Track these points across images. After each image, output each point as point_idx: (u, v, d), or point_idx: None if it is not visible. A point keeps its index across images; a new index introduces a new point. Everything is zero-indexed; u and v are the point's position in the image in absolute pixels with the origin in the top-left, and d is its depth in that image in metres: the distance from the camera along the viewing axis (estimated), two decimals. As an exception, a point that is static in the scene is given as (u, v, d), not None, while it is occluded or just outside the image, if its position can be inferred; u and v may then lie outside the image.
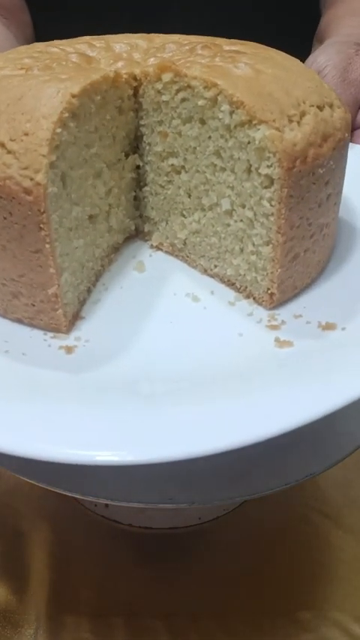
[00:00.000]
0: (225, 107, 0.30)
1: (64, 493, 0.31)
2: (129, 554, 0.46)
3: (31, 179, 0.27)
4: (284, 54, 0.36)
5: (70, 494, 0.32)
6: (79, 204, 0.32)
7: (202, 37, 0.39)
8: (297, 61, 0.36)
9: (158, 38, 0.40)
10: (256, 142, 0.29)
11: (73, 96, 0.29)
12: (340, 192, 0.35)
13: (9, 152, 0.28)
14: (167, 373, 0.28)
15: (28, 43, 0.62)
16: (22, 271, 0.30)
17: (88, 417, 0.24)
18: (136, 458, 0.21)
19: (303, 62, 0.38)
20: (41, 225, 0.28)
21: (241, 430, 0.22)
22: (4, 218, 0.28)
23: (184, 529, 0.46)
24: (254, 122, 0.29)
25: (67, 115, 0.28)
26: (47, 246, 0.28)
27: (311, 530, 0.49)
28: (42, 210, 0.28)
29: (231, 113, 0.30)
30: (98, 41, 0.38)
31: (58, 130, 0.28)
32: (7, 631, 0.42)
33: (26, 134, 0.28)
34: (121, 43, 0.39)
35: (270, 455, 0.32)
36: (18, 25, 0.62)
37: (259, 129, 0.29)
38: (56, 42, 0.38)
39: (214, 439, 0.22)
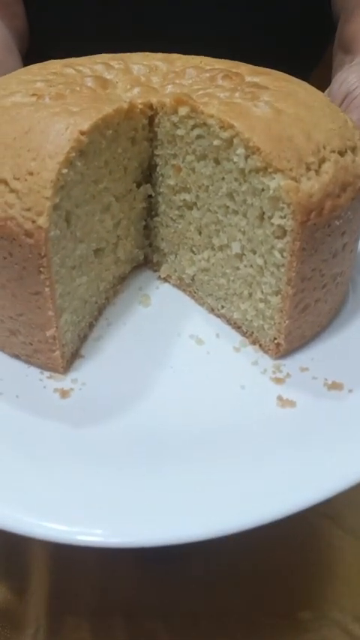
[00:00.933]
0: (240, 151, 0.29)
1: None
2: (129, 554, 0.45)
3: (33, 221, 0.26)
4: (308, 87, 0.35)
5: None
6: (84, 241, 0.31)
7: (224, 61, 0.38)
8: (320, 96, 0.34)
9: (179, 60, 0.38)
10: (271, 191, 0.28)
11: (82, 133, 0.28)
12: (358, 237, 0.33)
13: (12, 191, 0.27)
14: (164, 431, 0.27)
15: (19, 34, 0.61)
16: (21, 311, 0.29)
17: (75, 482, 0.23)
18: (122, 540, 0.20)
19: (309, 78, 0.37)
20: (41, 269, 0.27)
21: (237, 516, 0.21)
22: (4, 258, 0.27)
23: None
24: (270, 170, 0.28)
25: (74, 154, 0.27)
26: (47, 289, 0.28)
27: (311, 531, 0.48)
28: (42, 254, 0.27)
29: (246, 157, 0.29)
30: (117, 62, 0.37)
31: (64, 171, 0.27)
32: (7, 631, 0.43)
33: (30, 173, 0.27)
34: (140, 64, 0.37)
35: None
36: (9, 16, 0.61)
37: (274, 177, 0.28)
38: (73, 60, 0.37)
39: (206, 524, 0.21)
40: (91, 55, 0.39)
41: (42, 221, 0.26)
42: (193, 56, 0.39)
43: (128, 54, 0.39)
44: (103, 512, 0.22)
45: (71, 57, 0.39)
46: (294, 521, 0.47)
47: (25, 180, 0.27)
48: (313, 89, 0.35)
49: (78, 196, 0.29)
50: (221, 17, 0.63)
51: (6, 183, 0.27)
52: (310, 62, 0.75)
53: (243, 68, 0.36)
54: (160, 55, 0.39)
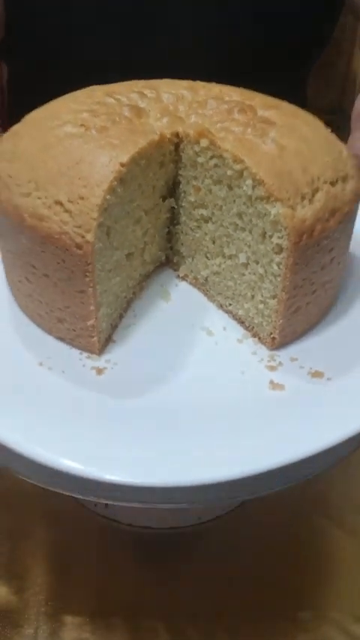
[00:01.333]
0: (248, 182, 0.35)
1: (65, 492, 0.34)
2: (129, 554, 0.47)
3: (82, 237, 0.33)
4: (311, 120, 0.41)
5: (71, 494, 0.35)
6: (119, 249, 0.38)
7: (241, 90, 0.44)
8: (320, 129, 0.40)
9: (203, 89, 0.44)
10: (271, 216, 0.35)
11: (122, 165, 0.34)
12: (345, 252, 0.40)
13: (66, 211, 0.34)
14: (177, 404, 0.34)
15: None
16: (68, 304, 0.36)
17: (106, 437, 0.31)
18: (139, 480, 0.27)
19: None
20: (87, 274, 0.34)
21: (229, 467, 0.28)
22: (57, 263, 0.35)
23: (184, 529, 0.48)
24: (271, 199, 0.34)
25: (116, 182, 0.34)
26: (90, 289, 0.35)
27: (311, 530, 0.49)
28: (88, 262, 0.34)
29: (253, 187, 0.35)
30: (149, 90, 0.43)
31: (108, 197, 0.34)
32: (7, 631, 0.43)
33: (81, 198, 0.34)
34: (169, 93, 0.43)
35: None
36: None
37: (274, 206, 0.34)
38: (113, 89, 0.43)
39: (206, 472, 0.28)
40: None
41: (89, 237, 0.33)
42: (213, 84, 0.45)
43: (158, 81, 0.45)
44: (134, 456, 0.29)
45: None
46: (294, 521, 0.49)
47: (77, 203, 0.34)
48: (316, 122, 0.41)
49: (117, 214, 0.36)
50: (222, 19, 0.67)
51: (62, 204, 0.34)
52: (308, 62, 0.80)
53: (257, 100, 0.42)
54: (185, 83, 0.45)
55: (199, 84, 0.45)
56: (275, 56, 0.71)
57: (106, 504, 0.47)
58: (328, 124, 0.44)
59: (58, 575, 0.46)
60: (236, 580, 0.45)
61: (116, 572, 0.45)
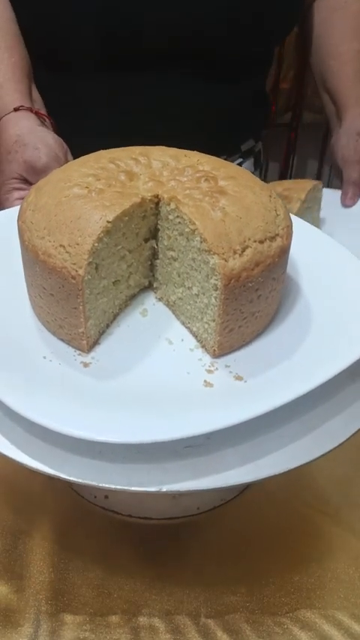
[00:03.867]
0: (198, 238, 0.50)
1: (68, 479, 0.41)
2: (128, 546, 0.49)
3: (76, 271, 0.48)
4: (258, 191, 0.54)
5: (74, 480, 0.42)
6: (106, 278, 0.53)
7: (212, 161, 0.57)
8: (264, 197, 0.54)
9: (184, 158, 0.58)
10: (210, 264, 0.49)
11: (108, 222, 0.49)
12: (274, 288, 0.54)
13: (67, 252, 0.48)
14: (139, 388, 0.48)
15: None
16: (66, 316, 0.51)
17: (92, 410, 0.45)
18: (101, 437, 0.42)
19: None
20: (78, 296, 0.49)
21: (169, 431, 0.42)
22: (59, 287, 0.50)
23: (183, 519, 0.53)
24: (211, 252, 0.49)
25: (103, 235, 0.49)
26: (80, 306, 0.50)
27: (312, 530, 0.51)
28: (80, 288, 0.49)
29: (200, 242, 0.50)
30: (143, 157, 0.58)
31: (96, 244, 0.48)
32: (7, 630, 0.43)
33: (77, 244, 0.48)
34: (158, 160, 0.58)
35: (270, 440, 0.45)
36: None
37: (213, 257, 0.48)
38: (116, 155, 0.58)
39: (158, 433, 0.42)
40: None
41: (81, 272, 0.48)
42: (194, 153, 0.59)
43: (151, 148, 0.60)
44: (103, 418, 0.43)
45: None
46: (294, 520, 0.51)
47: (74, 247, 0.48)
48: (262, 193, 0.54)
49: (104, 255, 0.51)
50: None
51: (64, 247, 0.49)
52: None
53: (222, 171, 0.56)
54: (172, 151, 0.59)
55: (182, 153, 0.59)
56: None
57: (106, 496, 0.57)
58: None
59: (58, 575, 0.46)
60: (236, 579, 0.46)
61: (116, 572, 0.46)
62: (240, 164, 0.98)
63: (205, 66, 0.84)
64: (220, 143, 0.88)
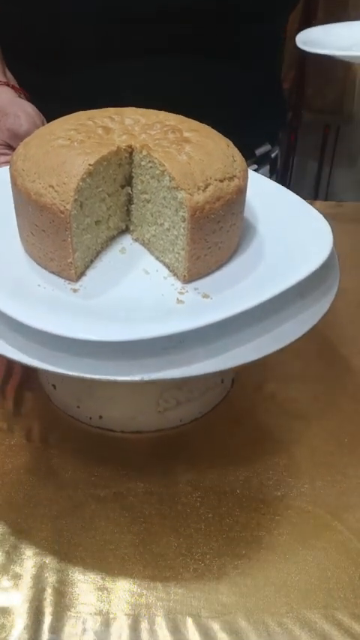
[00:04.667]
0: (167, 177, 0.58)
1: (66, 373, 0.49)
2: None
3: (64, 206, 0.56)
4: (218, 139, 0.63)
5: (71, 374, 0.49)
6: (89, 216, 0.61)
7: (177, 118, 0.66)
8: (222, 144, 0.63)
9: (153, 115, 0.67)
10: (178, 198, 0.58)
11: (90, 165, 0.58)
12: (234, 223, 0.63)
13: (55, 191, 0.57)
14: (119, 307, 0.57)
15: None
16: (56, 249, 0.59)
17: (82, 318, 0.54)
18: (98, 337, 0.51)
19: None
20: (66, 229, 0.57)
21: (149, 331, 0.51)
22: (50, 222, 0.58)
23: (169, 430, 0.62)
24: (179, 188, 0.57)
25: (86, 175, 0.57)
26: (69, 239, 0.58)
27: (312, 530, 0.51)
28: (67, 222, 0.57)
29: (169, 180, 0.58)
30: (117, 116, 0.66)
31: (80, 184, 0.57)
32: (7, 629, 0.43)
33: (64, 183, 0.57)
34: (130, 117, 0.66)
35: (233, 342, 0.52)
36: None
37: (180, 192, 0.57)
38: (92, 114, 0.66)
39: (140, 333, 0.51)
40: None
41: (69, 206, 0.56)
42: (161, 112, 0.68)
43: (124, 109, 0.68)
44: (93, 327, 0.52)
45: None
46: (294, 519, 0.52)
47: (61, 186, 0.57)
48: (221, 142, 0.63)
49: (87, 195, 0.59)
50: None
51: (53, 187, 0.57)
52: None
53: (185, 125, 0.65)
54: (141, 110, 0.68)
55: (150, 112, 0.68)
56: None
57: (100, 416, 0.65)
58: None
59: (58, 575, 0.48)
60: (236, 579, 0.47)
61: (116, 572, 0.48)
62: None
63: (204, 52, 0.82)
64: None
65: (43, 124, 0.85)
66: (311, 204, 0.69)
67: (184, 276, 0.61)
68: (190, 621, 0.44)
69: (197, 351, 0.54)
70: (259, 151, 0.99)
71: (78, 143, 0.60)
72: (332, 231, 0.64)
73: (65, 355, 0.52)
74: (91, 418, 0.67)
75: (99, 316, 0.55)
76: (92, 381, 0.52)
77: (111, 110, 0.67)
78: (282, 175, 1.95)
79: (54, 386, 0.71)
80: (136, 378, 0.51)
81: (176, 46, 0.83)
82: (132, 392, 0.68)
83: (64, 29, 0.85)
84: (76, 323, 0.53)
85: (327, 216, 0.67)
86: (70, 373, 0.51)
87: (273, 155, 1.02)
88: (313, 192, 2.44)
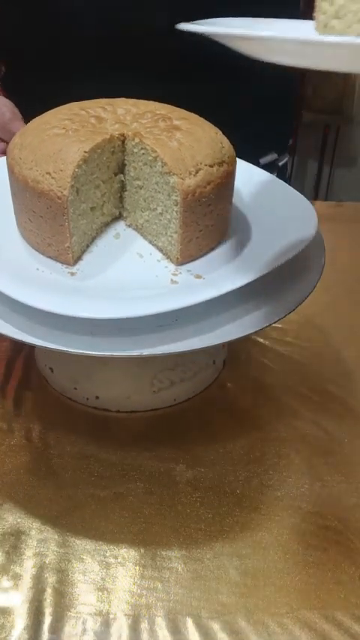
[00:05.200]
0: (159, 163, 0.61)
1: (67, 350, 0.52)
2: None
3: (62, 192, 0.59)
4: (207, 127, 0.66)
5: (72, 351, 0.51)
6: (85, 202, 0.63)
7: (166, 107, 0.69)
8: (211, 132, 0.66)
9: (143, 106, 0.70)
10: (170, 183, 0.60)
11: (85, 152, 0.60)
12: (224, 207, 0.65)
13: (52, 177, 0.59)
14: (116, 289, 0.60)
15: None
16: (53, 234, 0.62)
17: (81, 298, 0.56)
18: (94, 315, 0.53)
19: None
20: (64, 214, 0.60)
21: (146, 309, 0.54)
22: (47, 208, 0.60)
23: (163, 410, 0.64)
24: (171, 173, 0.60)
25: (81, 162, 0.60)
26: (66, 224, 0.60)
27: (312, 529, 0.52)
28: (65, 207, 0.59)
29: (161, 166, 0.61)
30: (110, 106, 0.69)
31: (76, 170, 0.59)
32: (7, 629, 0.43)
33: (61, 170, 0.59)
34: (122, 107, 0.69)
35: (223, 319, 0.55)
36: None
37: (172, 177, 0.60)
38: (85, 104, 0.69)
39: (137, 310, 0.54)
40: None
41: (65, 192, 0.59)
42: (151, 102, 0.70)
43: (116, 100, 0.71)
44: (90, 307, 0.54)
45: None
46: (294, 519, 0.52)
47: (58, 173, 0.59)
48: (210, 130, 0.66)
49: (82, 181, 0.62)
50: None
51: (50, 174, 0.59)
52: None
53: (175, 113, 0.67)
54: (132, 101, 0.71)
55: (141, 102, 0.70)
56: None
57: (97, 397, 0.67)
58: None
59: (59, 575, 0.47)
60: (236, 579, 0.47)
61: (116, 572, 0.48)
62: None
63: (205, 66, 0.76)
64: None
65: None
66: (311, 204, 0.71)
67: (177, 258, 0.64)
68: (190, 621, 0.44)
69: (190, 328, 0.57)
70: (263, 160, 0.95)
71: (72, 132, 0.62)
72: (332, 231, 0.66)
73: (66, 334, 0.55)
74: (87, 399, 0.69)
75: (97, 296, 0.58)
76: (92, 357, 0.54)
77: (103, 101, 0.70)
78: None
79: (51, 369, 0.73)
80: (134, 353, 0.54)
81: (178, 59, 0.80)
82: (127, 373, 0.70)
83: (64, 40, 0.87)
84: (75, 303, 0.55)
85: (327, 216, 0.67)
86: (72, 350, 0.54)
87: (281, 164, 0.98)
88: (313, 192, 2.44)
